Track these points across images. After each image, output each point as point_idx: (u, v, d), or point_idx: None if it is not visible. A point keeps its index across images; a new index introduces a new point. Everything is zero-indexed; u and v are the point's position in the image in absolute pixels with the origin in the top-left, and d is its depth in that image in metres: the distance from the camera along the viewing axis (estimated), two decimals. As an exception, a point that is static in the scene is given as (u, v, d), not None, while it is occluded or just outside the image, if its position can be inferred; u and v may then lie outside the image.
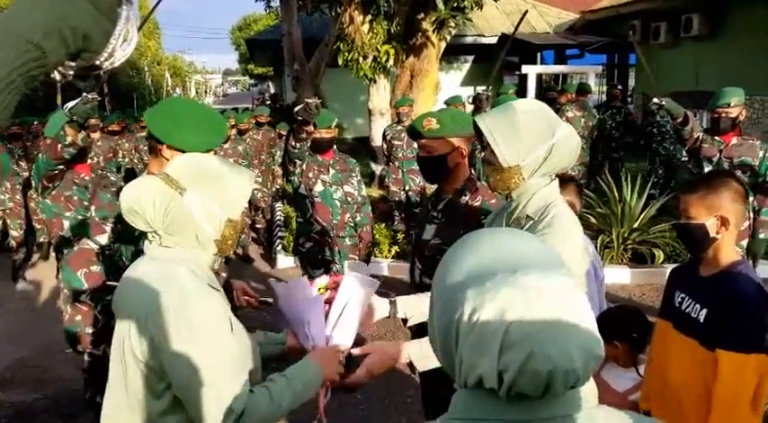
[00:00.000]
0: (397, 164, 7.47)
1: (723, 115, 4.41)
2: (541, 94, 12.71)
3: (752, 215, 4.38)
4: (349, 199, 4.35)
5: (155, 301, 1.42)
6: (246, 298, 2.41)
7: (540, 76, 14.82)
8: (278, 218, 8.23)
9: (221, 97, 63.29)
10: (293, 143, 3.85)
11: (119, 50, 0.79)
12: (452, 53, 14.75)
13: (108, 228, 3.11)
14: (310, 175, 4.23)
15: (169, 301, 1.42)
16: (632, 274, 6.20)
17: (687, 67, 12.21)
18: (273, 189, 8.55)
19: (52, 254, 7.15)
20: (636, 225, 6.50)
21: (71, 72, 0.77)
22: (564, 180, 2.84)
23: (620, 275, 6.12)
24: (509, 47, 5.03)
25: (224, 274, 2.62)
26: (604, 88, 15.15)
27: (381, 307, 1.96)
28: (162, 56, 46.66)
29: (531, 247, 0.85)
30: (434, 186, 2.64)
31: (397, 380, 4.08)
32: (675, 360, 2.06)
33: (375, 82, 10.17)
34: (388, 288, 2.32)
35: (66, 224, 3.09)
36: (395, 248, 6.93)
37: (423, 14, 9.70)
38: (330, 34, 10.06)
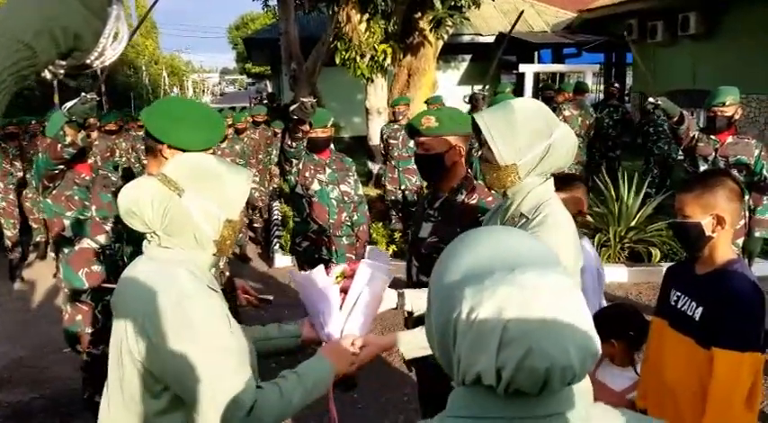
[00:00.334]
0: (393, 163, 7.48)
1: (719, 114, 4.42)
2: (538, 93, 12.71)
3: (747, 214, 4.40)
4: (346, 198, 4.34)
5: (153, 302, 1.42)
6: (247, 296, 2.42)
7: (537, 75, 14.83)
8: (275, 217, 8.23)
9: (218, 96, 63.20)
10: (289, 142, 3.85)
11: (109, 49, 0.79)
12: (450, 52, 14.77)
13: (108, 227, 3.11)
14: (307, 174, 4.23)
15: (168, 301, 1.41)
16: (629, 272, 6.22)
17: (684, 66, 12.23)
18: (270, 188, 8.55)
19: (50, 254, 7.19)
20: (633, 224, 6.52)
21: (62, 71, 0.77)
22: (573, 179, 2.85)
23: (617, 274, 6.14)
24: (506, 46, 5.03)
25: (227, 273, 2.63)
26: (601, 87, 15.18)
27: (389, 297, 1.95)
28: (159, 55, 46.59)
29: (528, 246, 0.86)
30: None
31: (395, 378, 4.09)
32: (671, 358, 2.07)
33: (372, 81, 10.17)
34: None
35: (67, 224, 3.10)
36: (392, 247, 6.94)
37: (420, 13, 9.70)
38: (327, 33, 10.06)
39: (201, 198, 1.48)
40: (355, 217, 4.43)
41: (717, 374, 1.86)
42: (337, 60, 9.71)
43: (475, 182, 2.49)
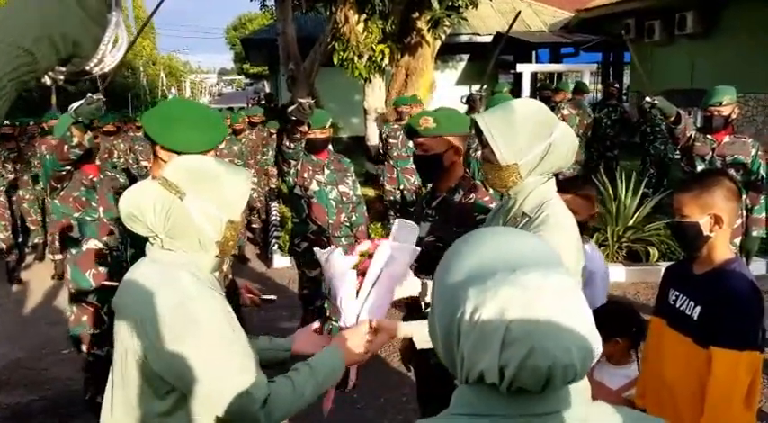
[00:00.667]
0: (392, 163, 7.47)
1: (715, 114, 4.43)
2: (536, 93, 12.73)
3: (744, 213, 4.41)
4: (344, 199, 4.35)
5: (157, 304, 1.42)
6: (250, 296, 2.41)
7: (534, 75, 14.85)
8: (273, 218, 8.23)
9: (216, 97, 63.16)
10: (287, 143, 3.85)
11: (108, 56, 0.79)
12: (447, 52, 14.76)
13: (116, 229, 3.12)
14: (305, 175, 4.23)
15: (172, 303, 1.42)
16: (627, 272, 6.23)
17: (682, 65, 12.25)
18: (267, 189, 8.55)
19: (48, 255, 7.18)
20: (630, 223, 6.53)
21: (61, 77, 0.77)
22: (585, 183, 2.88)
23: (614, 273, 6.13)
24: (503, 45, 5.04)
25: (230, 276, 2.63)
26: (599, 86, 15.19)
27: (412, 284, 1.94)
28: (157, 56, 46.53)
29: (531, 247, 0.88)
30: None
31: (393, 378, 4.10)
32: (670, 357, 2.07)
33: (370, 81, 10.17)
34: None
35: (75, 224, 3.11)
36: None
37: (418, 13, 9.71)
38: (325, 33, 10.06)
39: (202, 200, 1.48)
40: (354, 217, 4.43)
41: (715, 373, 1.87)
42: (335, 61, 9.72)
43: (472, 182, 2.51)
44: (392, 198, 7.48)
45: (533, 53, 15.91)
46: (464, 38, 15.48)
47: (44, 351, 5.00)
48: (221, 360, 1.42)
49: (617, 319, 2.51)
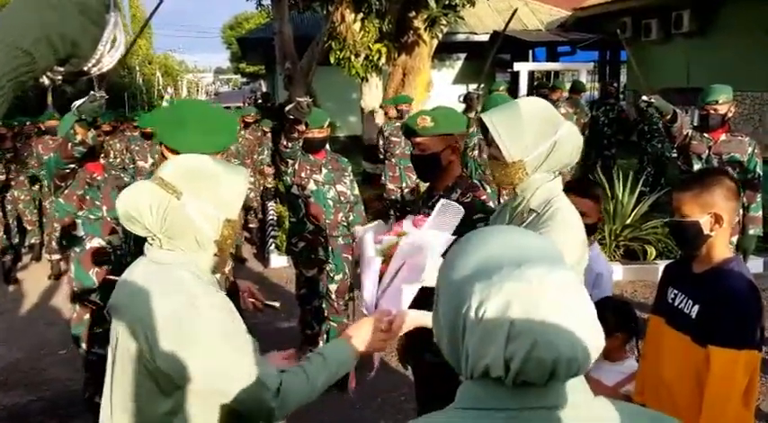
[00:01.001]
0: (394, 161, 7.43)
1: (712, 112, 4.43)
2: (533, 92, 12.73)
3: (741, 211, 4.41)
4: (342, 198, 4.34)
5: (161, 305, 1.42)
6: (252, 300, 2.35)
7: (531, 74, 14.85)
8: (270, 217, 8.22)
9: (213, 96, 63.03)
10: (285, 142, 3.85)
11: (106, 56, 0.80)
12: (444, 51, 14.75)
13: (119, 228, 3.12)
14: (303, 174, 4.23)
15: (177, 303, 1.42)
16: (624, 270, 6.24)
17: (678, 64, 12.26)
18: (262, 188, 8.53)
19: (45, 255, 7.17)
20: (628, 222, 6.54)
21: (60, 77, 0.78)
22: (593, 187, 2.91)
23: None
24: (500, 44, 5.04)
25: (231, 278, 2.62)
26: (596, 85, 15.21)
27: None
28: (153, 55, 46.41)
29: (535, 243, 0.90)
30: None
31: (392, 378, 4.10)
32: (668, 355, 2.08)
33: (367, 80, 10.16)
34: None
35: (79, 223, 3.11)
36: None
37: (414, 12, 9.69)
38: (322, 32, 10.03)
39: (200, 199, 1.47)
40: (351, 217, 4.43)
41: (713, 372, 1.87)
42: (332, 60, 9.70)
43: (470, 181, 2.53)
44: (393, 197, 7.46)
45: (530, 52, 15.92)
46: (461, 36, 15.47)
47: (42, 351, 5.00)
48: (232, 354, 1.42)
49: (616, 314, 2.53)
